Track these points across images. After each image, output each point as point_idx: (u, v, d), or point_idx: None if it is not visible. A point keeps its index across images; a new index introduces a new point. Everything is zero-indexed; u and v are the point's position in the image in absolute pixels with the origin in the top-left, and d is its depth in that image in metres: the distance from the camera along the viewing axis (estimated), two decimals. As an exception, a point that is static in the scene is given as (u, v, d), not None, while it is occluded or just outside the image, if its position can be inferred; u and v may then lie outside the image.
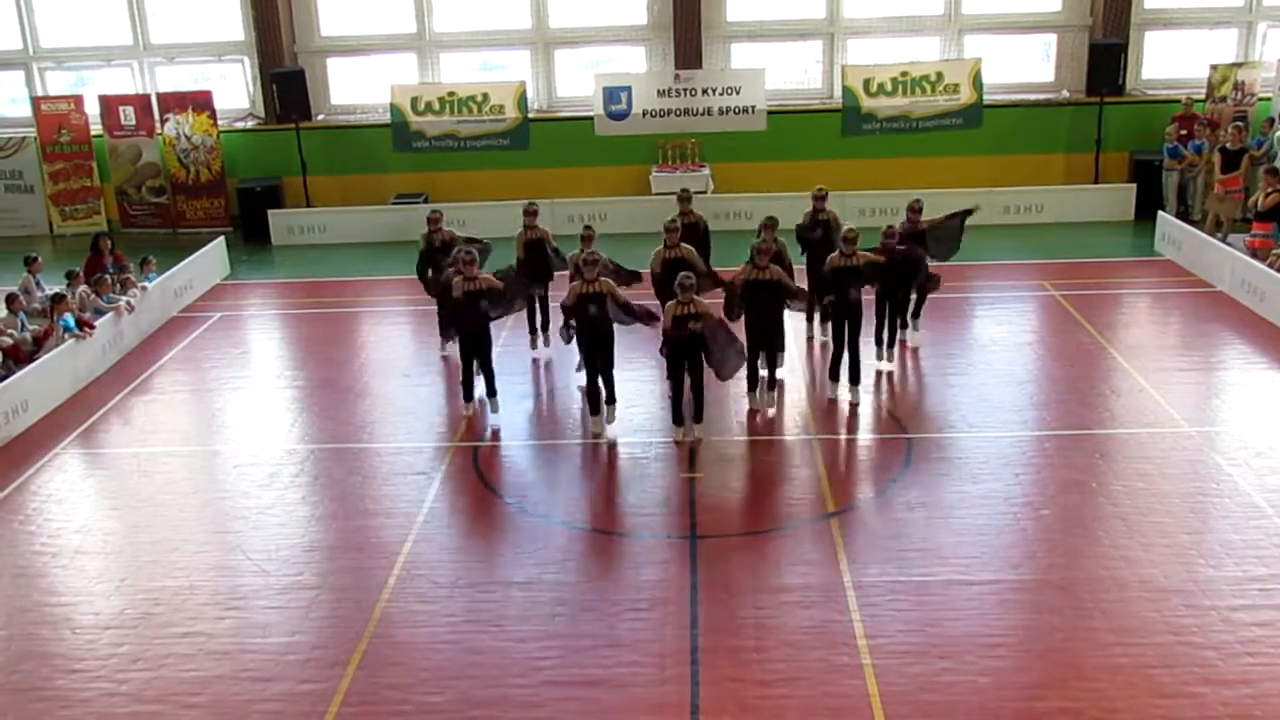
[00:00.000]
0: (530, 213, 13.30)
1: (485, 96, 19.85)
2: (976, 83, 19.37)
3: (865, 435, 11.71)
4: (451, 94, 19.88)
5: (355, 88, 21.62)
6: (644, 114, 19.71)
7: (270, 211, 20.37)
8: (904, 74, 19.46)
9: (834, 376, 12.34)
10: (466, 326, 11.76)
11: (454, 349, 13.56)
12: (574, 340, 11.72)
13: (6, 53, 21.69)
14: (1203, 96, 19.84)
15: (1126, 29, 20.23)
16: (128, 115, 20.78)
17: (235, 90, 21.68)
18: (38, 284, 14.78)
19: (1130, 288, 16.16)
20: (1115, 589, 8.55)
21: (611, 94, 19.73)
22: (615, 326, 11.37)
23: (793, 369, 13.14)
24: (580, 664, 7.88)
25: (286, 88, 20.05)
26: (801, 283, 12.36)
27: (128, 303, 14.70)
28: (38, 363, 12.81)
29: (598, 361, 11.45)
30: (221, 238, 18.74)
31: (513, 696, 7.56)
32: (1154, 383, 12.45)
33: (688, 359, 10.99)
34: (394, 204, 20.42)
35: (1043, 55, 21.31)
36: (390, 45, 21.44)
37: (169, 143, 20.80)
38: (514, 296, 11.98)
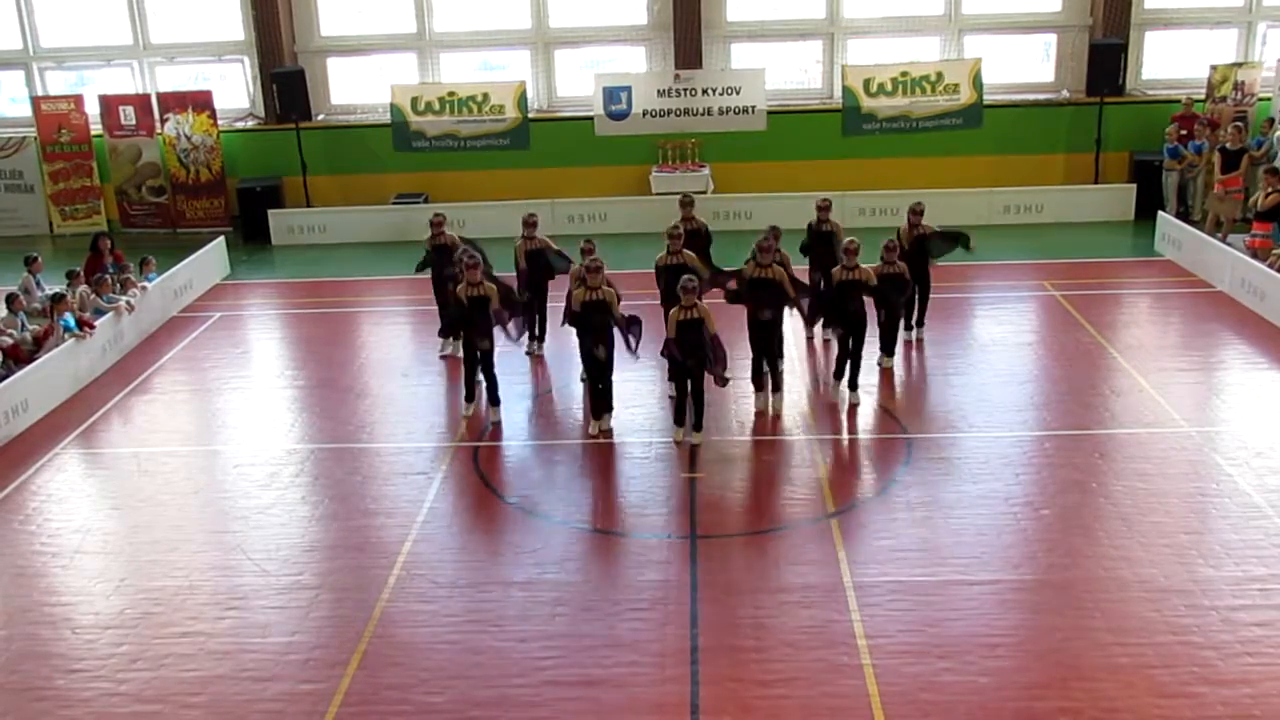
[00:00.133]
0: (529, 224, 13.26)
1: (485, 96, 19.85)
2: (976, 83, 19.37)
3: (865, 435, 11.71)
4: (451, 94, 19.88)
5: (355, 88, 21.62)
6: (644, 114, 19.71)
7: (270, 211, 20.38)
8: (904, 74, 19.46)
9: (838, 376, 12.35)
10: (470, 330, 11.75)
11: (454, 346, 13.60)
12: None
13: (6, 53, 21.68)
14: (1203, 96, 19.84)
15: (1126, 29, 20.22)
16: (128, 115, 20.78)
17: (235, 90, 21.68)
18: (38, 284, 14.78)
19: (1130, 288, 16.16)
20: (1115, 589, 8.55)
21: (611, 94, 19.73)
22: (615, 337, 11.39)
23: (792, 369, 13.14)
24: (580, 664, 7.88)
25: (286, 87, 20.04)
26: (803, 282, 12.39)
27: (128, 302, 14.71)
28: (38, 362, 12.81)
29: (596, 373, 11.46)
30: (221, 238, 18.74)
31: (513, 696, 7.57)
32: (1154, 383, 12.45)
33: (690, 362, 10.98)
34: (394, 204, 20.42)
35: (1043, 55, 21.31)
36: (390, 45, 21.43)
37: (169, 143, 20.81)
38: (512, 312, 11.97)
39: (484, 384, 12.09)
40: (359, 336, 15.53)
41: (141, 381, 13.71)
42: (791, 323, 13.53)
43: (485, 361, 11.89)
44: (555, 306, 13.16)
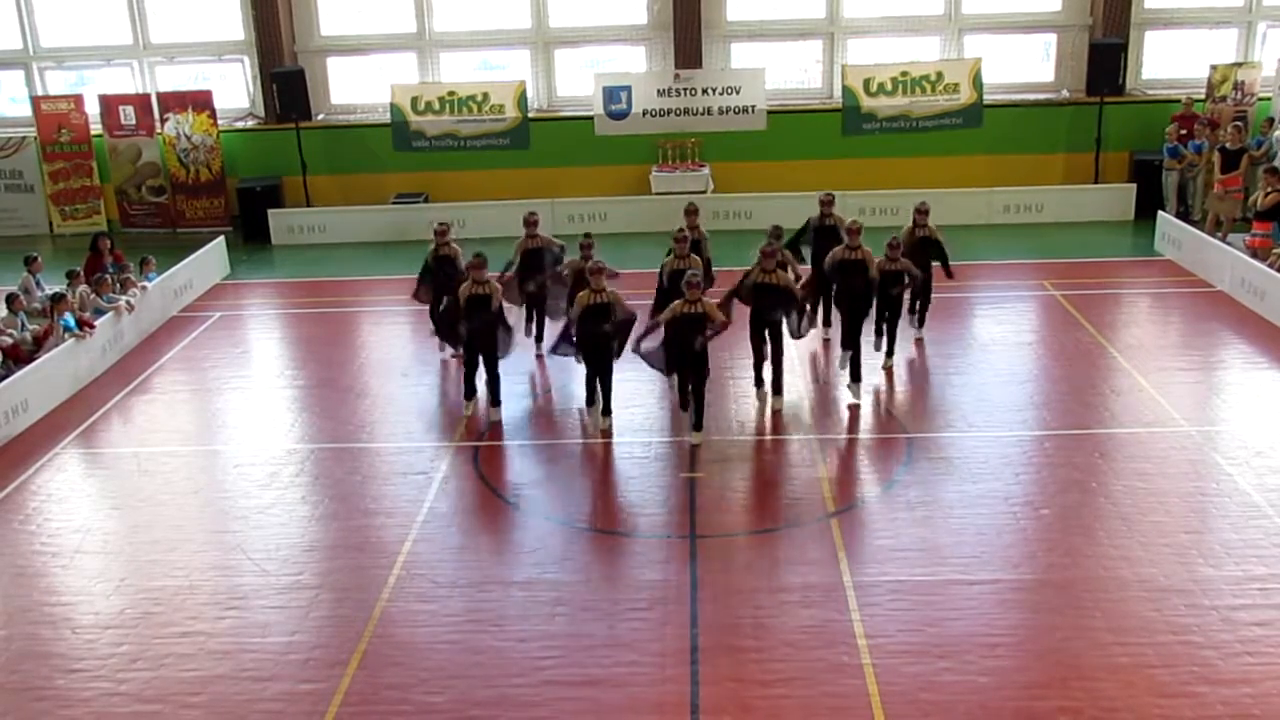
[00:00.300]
0: (530, 222, 13.27)
1: (485, 96, 19.84)
2: (976, 82, 19.36)
3: (865, 435, 11.71)
4: (451, 93, 19.87)
5: (355, 87, 21.62)
6: (644, 113, 19.71)
7: (270, 211, 20.37)
8: (904, 74, 19.45)
9: (846, 346, 12.24)
10: (474, 330, 11.74)
11: (447, 352, 13.65)
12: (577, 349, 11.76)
13: (6, 53, 21.68)
14: (1203, 96, 19.84)
15: (1126, 29, 20.22)
16: (128, 115, 20.78)
17: (235, 90, 21.67)
18: (38, 284, 14.78)
19: (1130, 287, 16.16)
20: (1115, 588, 8.55)
21: (611, 93, 19.72)
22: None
23: (792, 369, 13.13)
24: (580, 664, 7.88)
25: (286, 87, 20.04)
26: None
27: (128, 302, 14.71)
28: (38, 362, 12.81)
29: (596, 369, 11.49)
30: (221, 237, 18.74)
31: (513, 696, 7.57)
32: (1154, 382, 12.45)
33: (689, 353, 10.98)
34: (394, 204, 20.42)
35: (1043, 55, 21.31)
36: (390, 45, 21.43)
37: (169, 142, 20.80)
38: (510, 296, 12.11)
39: (485, 383, 12.07)
40: (359, 336, 15.53)
41: (141, 381, 13.71)
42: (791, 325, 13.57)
43: (489, 362, 11.88)
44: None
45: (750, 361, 12.25)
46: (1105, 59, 19.59)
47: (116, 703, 7.68)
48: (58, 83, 21.92)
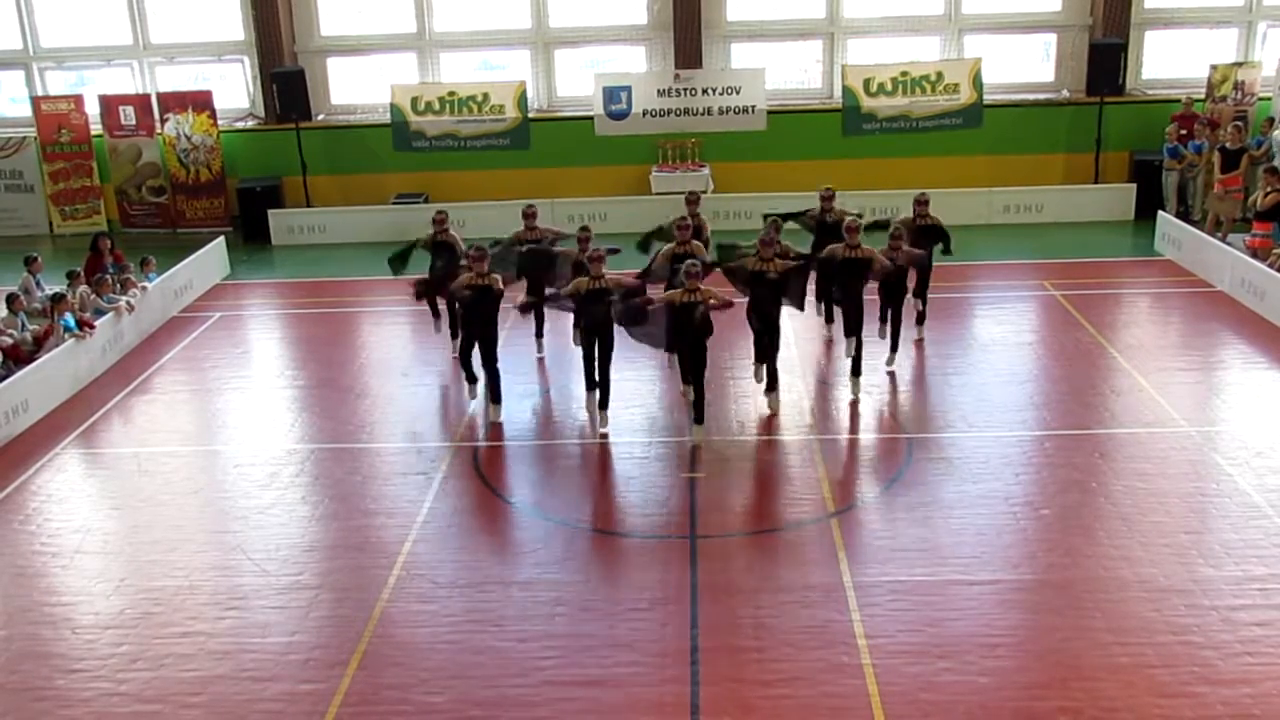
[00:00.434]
0: (529, 214, 13.30)
1: (485, 96, 19.85)
2: (976, 82, 19.36)
3: (865, 435, 11.71)
4: (451, 94, 19.88)
5: (355, 87, 21.61)
6: (644, 114, 19.72)
7: (270, 211, 20.37)
8: (904, 74, 19.45)
9: (848, 333, 12.24)
10: (473, 322, 11.75)
11: (444, 337, 13.68)
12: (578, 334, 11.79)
13: (6, 53, 21.68)
14: (1203, 96, 19.84)
15: (1126, 29, 20.22)
16: (128, 115, 20.78)
17: (235, 90, 21.67)
18: (38, 284, 14.78)
19: (1130, 287, 16.16)
20: (1115, 589, 8.55)
21: (611, 94, 19.73)
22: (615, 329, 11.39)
23: (792, 369, 13.14)
24: (580, 664, 7.88)
25: (286, 87, 20.04)
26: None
27: (128, 302, 14.71)
28: (38, 363, 12.81)
29: (595, 358, 11.49)
30: (221, 238, 18.75)
31: (513, 696, 7.57)
32: (1154, 382, 12.45)
33: (691, 344, 10.99)
34: (394, 204, 20.42)
35: (1043, 55, 21.31)
36: (390, 45, 21.43)
37: (169, 142, 20.81)
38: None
39: (484, 381, 12.06)
40: (359, 336, 15.53)
41: (141, 381, 13.71)
42: (791, 324, 13.57)
43: (487, 357, 11.88)
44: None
45: (749, 363, 12.23)
46: (1105, 59, 19.58)
47: (116, 703, 7.68)
48: (58, 83, 21.92)
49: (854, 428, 11.85)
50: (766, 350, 11.86)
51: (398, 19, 21.18)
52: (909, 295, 13.08)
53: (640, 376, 12.89)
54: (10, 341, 13.08)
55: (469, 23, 21.24)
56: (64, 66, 22.02)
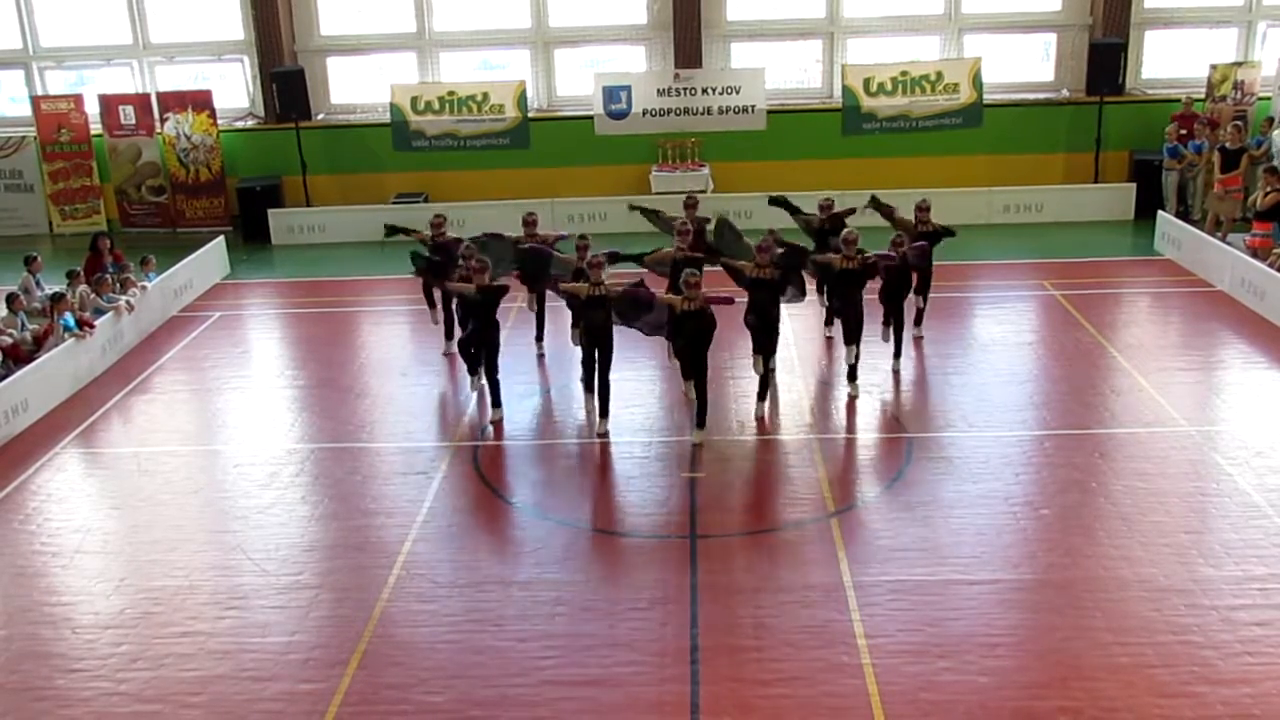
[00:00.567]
0: (529, 223, 13.28)
1: (485, 96, 19.83)
2: (976, 82, 19.35)
3: (865, 435, 11.70)
4: (451, 93, 19.86)
5: (355, 87, 21.61)
6: (644, 113, 19.70)
7: (270, 211, 20.37)
8: (904, 73, 19.44)
9: (847, 341, 12.25)
10: (475, 327, 11.75)
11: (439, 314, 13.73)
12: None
13: (6, 52, 21.67)
14: (1202, 96, 19.84)
15: (1126, 28, 20.22)
16: (127, 115, 20.78)
17: (235, 90, 21.67)
18: (38, 283, 14.78)
19: (1130, 287, 16.17)
20: (1115, 588, 8.55)
21: (611, 93, 19.72)
22: (615, 331, 11.38)
23: (792, 369, 13.14)
24: (580, 663, 7.88)
25: (286, 87, 20.04)
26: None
27: (127, 302, 14.71)
28: (38, 362, 12.81)
29: (595, 365, 11.49)
30: (221, 237, 18.74)
31: (513, 696, 7.57)
32: (1154, 382, 12.45)
33: (692, 348, 10.98)
34: (394, 203, 20.41)
35: (1042, 55, 21.31)
36: (390, 45, 21.43)
37: (169, 142, 20.80)
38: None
39: (485, 384, 12.08)
40: (359, 336, 15.53)
41: (141, 381, 13.71)
42: (791, 324, 13.58)
43: (489, 363, 11.89)
44: (555, 306, 13.21)
45: (748, 362, 12.21)
46: (1105, 59, 19.58)
47: (116, 703, 7.68)
48: (58, 82, 21.92)
49: (854, 428, 11.85)
50: (764, 346, 11.83)
51: (397, 19, 21.18)
52: (910, 294, 13.08)
53: (640, 376, 12.89)
54: (10, 341, 13.08)
55: (469, 22, 21.24)
56: (64, 66, 22.01)
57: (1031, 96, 20.77)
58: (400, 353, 14.48)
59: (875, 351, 12.97)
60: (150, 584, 9.12)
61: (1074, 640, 7.95)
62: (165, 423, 12.60)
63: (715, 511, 10.00)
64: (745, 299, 11.74)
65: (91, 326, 13.75)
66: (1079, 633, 8.03)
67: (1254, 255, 15.37)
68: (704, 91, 19.66)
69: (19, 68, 21.80)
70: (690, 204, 13.57)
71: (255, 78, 21.30)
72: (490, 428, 11.90)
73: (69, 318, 13.49)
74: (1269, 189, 15.76)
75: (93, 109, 20.86)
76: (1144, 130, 20.10)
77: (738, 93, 19.65)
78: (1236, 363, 13.31)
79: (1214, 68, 19.76)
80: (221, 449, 11.85)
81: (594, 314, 11.23)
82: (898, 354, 12.99)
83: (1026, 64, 21.30)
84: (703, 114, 19.68)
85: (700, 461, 10.94)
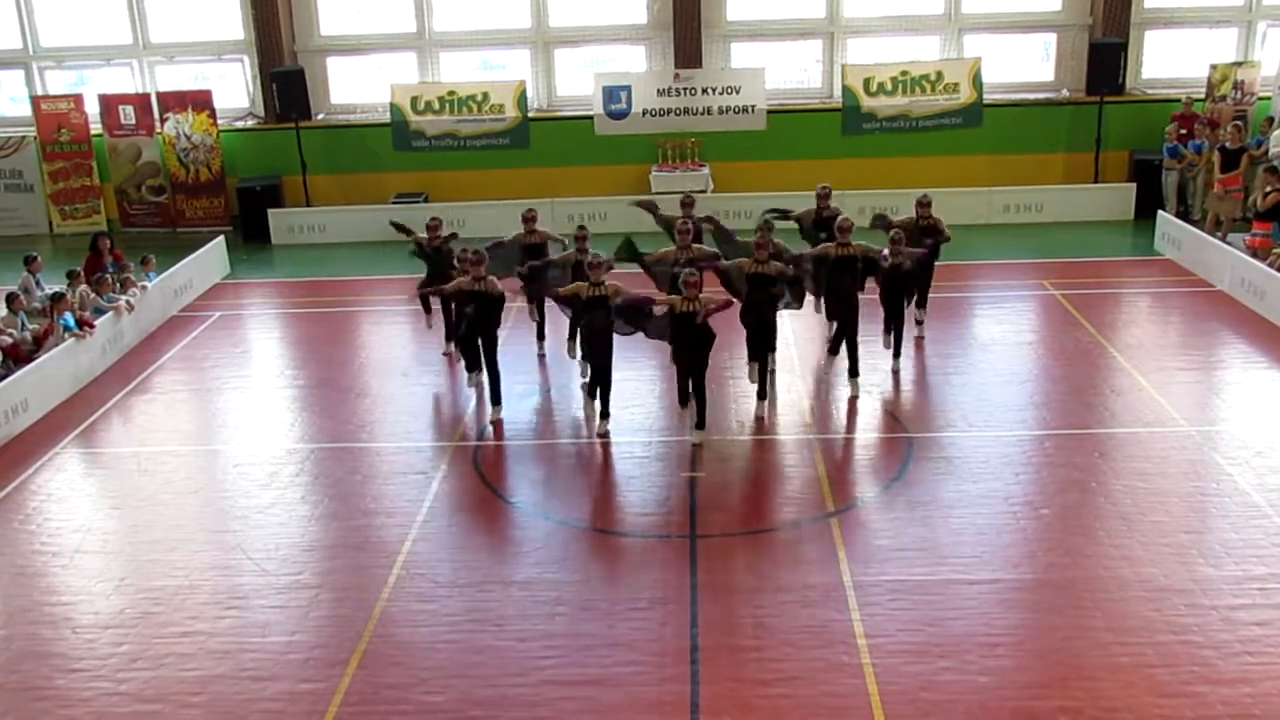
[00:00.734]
0: (528, 219, 13.28)
1: (485, 96, 19.84)
2: (976, 82, 19.36)
3: (865, 434, 11.70)
4: (451, 93, 19.87)
5: (355, 87, 21.62)
6: (644, 113, 19.71)
7: (270, 211, 20.38)
8: (904, 73, 19.44)
9: (833, 351, 12.32)
10: (475, 325, 11.75)
11: (437, 323, 13.72)
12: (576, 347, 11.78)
13: (6, 52, 21.68)
14: (1202, 96, 19.84)
15: (1126, 28, 20.23)
16: (127, 114, 20.79)
17: (235, 89, 21.68)
18: (38, 283, 14.78)
19: (1130, 287, 16.17)
20: (1115, 588, 8.55)
21: (611, 93, 19.73)
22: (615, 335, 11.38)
23: (792, 369, 13.14)
24: (580, 663, 7.88)
25: (286, 87, 20.04)
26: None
27: (127, 302, 14.71)
28: (37, 362, 12.81)
29: (594, 366, 11.47)
30: (221, 237, 18.75)
31: (513, 696, 7.57)
32: (1154, 382, 12.45)
33: (691, 351, 10.98)
34: (394, 203, 20.41)
35: (1043, 54, 21.32)
36: (390, 44, 21.44)
37: (169, 142, 20.81)
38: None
39: (486, 381, 12.07)
40: (359, 336, 15.53)
41: (141, 381, 13.71)
42: (792, 323, 13.58)
43: (490, 358, 11.88)
44: (555, 306, 13.19)
45: (745, 360, 12.23)
46: (1105, 58, 19.59)
47: (116, 702, 7.68)
48: (58, 82, 21.93)
49: (854, 427, 11.85)
50: (760, 351, 11.81)
51: (397, 18, 21.19)
52: (910, 303, 13.08)
53: (640, 376, 12.88)
54: (10, 341, 13.08)
55: (469, 22, 21.25)
56: (64, 66, 22.03)
57: (1031, 96, 20.77)
58: (400, 353, 14.48)
59: (876, 352, 12.98)
60: (150, 584, 9.12)
61: (1074, 640, 7.95)
62: (165, 423, 12.60)
63: (715, 511, 10.00)
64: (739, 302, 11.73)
65: (91, 326, 13.75)
66: (1079, 632, 8.03)
67: (1254, 255, 15.37)
68: (704, 91, 19.67)
69: (19, 68, 21.82)
70: (687, 203, 13.58)
71: (255, 78, 21.31)
72: (490, 427, 11.90)
73: (69, 318, 13.49)
74: (1269, 189, 15.76)
75: (93, 109, 20.87)
76: (1144, 130, 20.10)
77: (738, 93, 19.65)
78: (1236, 363, 13.30)
79: (1214, 68, 19.77)
80: (221, 449, 11.85)
81: (594, 314, 11.20)
82: (897, 354, 13.00)
83: (1026, 64, 21.31)
84: (703, 114, 19.69)
85: (700, 461, 10.94)
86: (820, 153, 20.07)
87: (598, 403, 11.61)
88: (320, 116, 21.31)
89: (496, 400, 12.02)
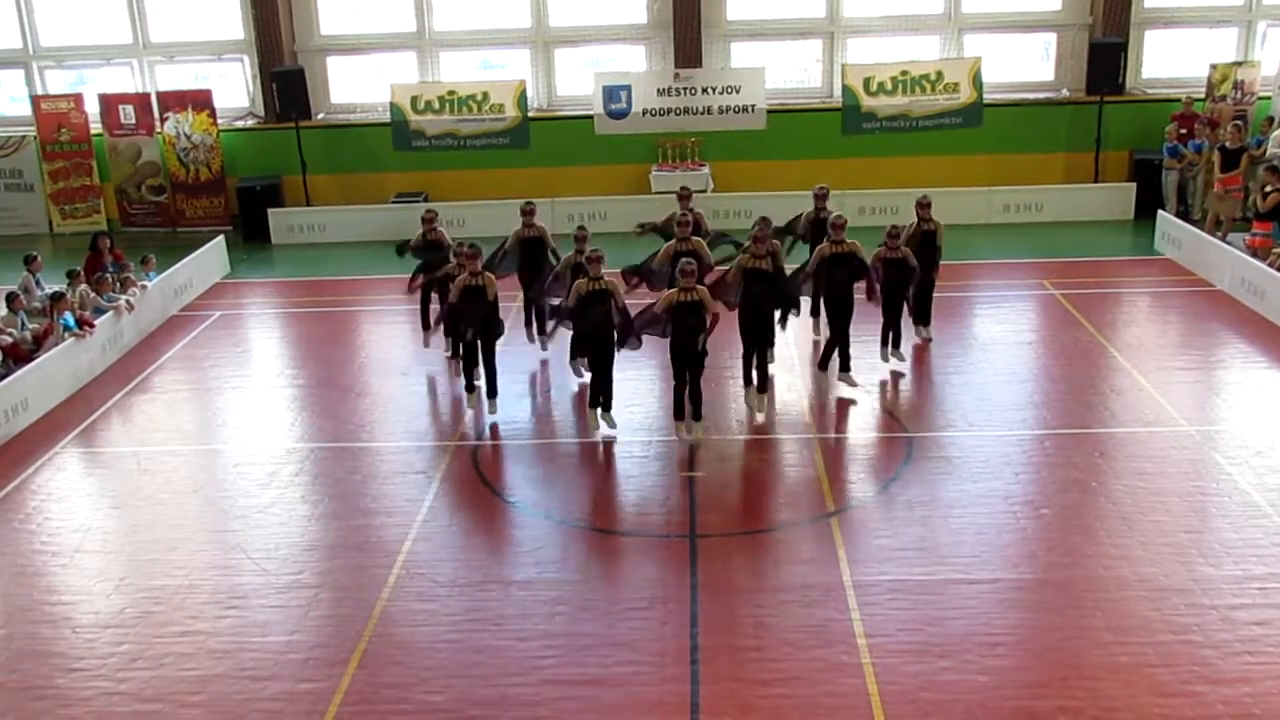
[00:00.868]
0: (527, 211, 13.30)
1: (485, 95, 19.84)
2: (976, 82, 19.36)
3: (865, 434, 11.70)
4: (451, 93, 19.87)
5: (355, 87, 21.62)
6: (644, 113, 19.72)
7: (270, 210, 20.37)
8: (904, 73, 19.45)
9: (823, 367, 12.38)
10: (470, 321, 11.72)
11: (436, 341, 13.66)
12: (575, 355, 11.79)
13: (6, 52, 21.67)
14: (1202, 95, 19.84)
15: (1126, 28, 20.22)
16: (127, 114, 20.78)
17: (235, 89, 21.67)
18: (37, 283, 14.77)
19: (1130, 287, 16.16)
20: (1115, 588, 8.55)
21: (611, 93, 19.73)
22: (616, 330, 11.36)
23: (791, 368, 13.14)
24: (580, 663, 7.88)
25: (286, 86, 20.04)
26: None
27: (127, 301, 14.70)
28: (37, 361, 12.81)
29: (596, 364, 11.44)
30: (221, 236, 18.74)
31: (513, 696, 7.57)
32: (1154, 382, 12.45)
33: (687, 354, 10.97)
34: (394, 203, 20.41)
35: (1043, 54, 21.32)
36: (390, 44, 21.44)
37: (169, 142, 20.80)
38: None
39: (483, 375, 12.04)
40: (359, 335, 15.53)
41: (141, 380, 13.71)
42: (792, 324, 13.55)
43: (486, 352, 11.87)
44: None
45: (741, 359, 12.21)
46: (1105, 58, 19.59)
47: (116, 702, 7.68)
48: (58, 82, 21.92)
49: (854, 427, 11.85)
50: (758, 347, 11.76)
51: (397, 18, 21.18)
52: (909, 302, 13.08)
53: (640, 376, 12.88)
54: (10, 340, 13.08)
55: (469, 22, 21.25)
56: (64, 65, 22.02)
57: (1031, 96, 20.77)
58: (400, 353, 14.48)
59: (875, 351, 12.98)
60: (150, 583, 9.11)
61: (1074, 639, 7.95)
62: (165, 422, 12.60)
63: (715, 511, 10.00)
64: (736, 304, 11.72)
65: (91, 326, 13.75)
66: (1079, 632, 8.03)
67: (1254, 255, 15.37)
68: (704, 91, 19.68)
69: (19, 67, 21.80)
70: (684, 195, 13.62)
71: (255, 77, 21.31)
72: (488, 428, 11.89)
73: (69, 317, 13.49)
74: (1270, 188, 15.75)
75: (93, 108, 20.86)
76: (1144, 130, 20.10)
77: (738, 92, 19.66)
78: (1236, 362, 13.30)
79: (1214, 67, 19.77)
80: (221, 448, 11.85)
81: (594, 309, 11.17)
82: (896, 346, 12.98)
83: (1026, 64, 21.31)
84: (703, 113, 19.69)
85: (699, 460, 10.94)
86: (820, 152, 20.06)
87: (599, 408, 11.53)
88: (320, 116, 21.31)
89: (493, 392, 11.94)
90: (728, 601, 8.52)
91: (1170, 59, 21.02)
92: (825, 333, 12.92)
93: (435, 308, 13.71)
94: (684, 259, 11.11)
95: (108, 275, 14.92)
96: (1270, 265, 14.71)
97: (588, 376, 11.86)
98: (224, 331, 15.57)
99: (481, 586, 8.89)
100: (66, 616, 8.75)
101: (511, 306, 14.61)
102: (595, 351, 11.42)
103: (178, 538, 9.83)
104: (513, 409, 12.30)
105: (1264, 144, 18.37)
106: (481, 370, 11.99)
